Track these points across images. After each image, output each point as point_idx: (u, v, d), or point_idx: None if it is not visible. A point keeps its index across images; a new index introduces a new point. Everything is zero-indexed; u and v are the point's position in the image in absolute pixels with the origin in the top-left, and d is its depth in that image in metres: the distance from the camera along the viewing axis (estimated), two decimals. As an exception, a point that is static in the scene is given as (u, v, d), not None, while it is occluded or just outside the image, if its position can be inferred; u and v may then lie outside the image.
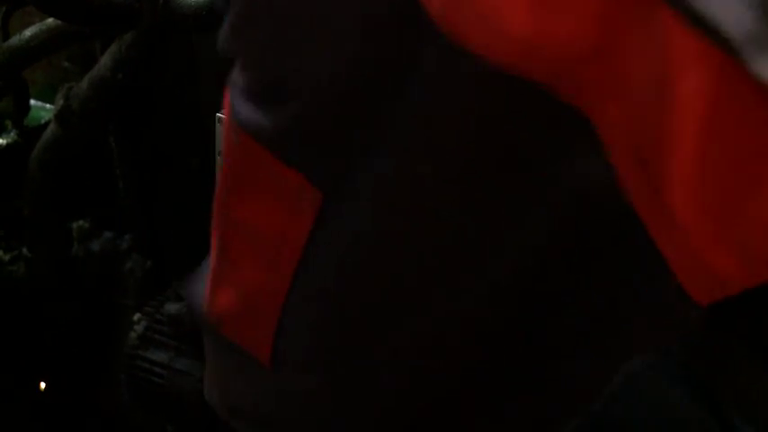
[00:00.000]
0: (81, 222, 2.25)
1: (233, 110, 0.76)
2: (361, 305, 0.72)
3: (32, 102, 2.25)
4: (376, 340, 0.72)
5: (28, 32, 1.94)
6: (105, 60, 1.93)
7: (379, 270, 0.69)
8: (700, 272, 0.56)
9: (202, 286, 0.80)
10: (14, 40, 1.97)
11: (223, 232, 0.75)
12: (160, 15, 1.66)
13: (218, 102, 1.82)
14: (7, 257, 2.21)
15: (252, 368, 0.79)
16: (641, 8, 0.52)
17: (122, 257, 2.22)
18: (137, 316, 2.10)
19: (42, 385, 2.31)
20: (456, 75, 0.59)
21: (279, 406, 0.81)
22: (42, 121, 2.27)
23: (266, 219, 0.72)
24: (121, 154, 2.17)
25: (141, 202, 2.20)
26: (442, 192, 0.65)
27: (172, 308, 1.99)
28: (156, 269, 2.21)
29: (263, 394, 0.81)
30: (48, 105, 2.35)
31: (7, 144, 2.21)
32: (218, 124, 1.34)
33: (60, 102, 1.98)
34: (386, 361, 0.73)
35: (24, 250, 2.20)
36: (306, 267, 0.72)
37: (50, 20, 1.92)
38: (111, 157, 2.19)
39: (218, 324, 0.77)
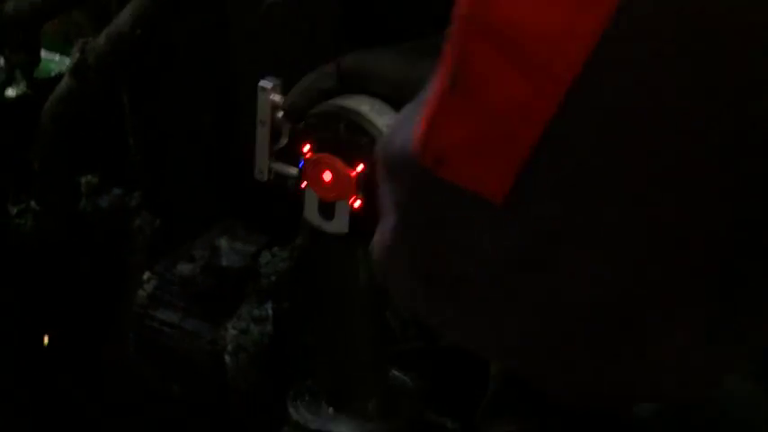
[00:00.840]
0: (90, 177, 2.22)
1: None
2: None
3: (43, 53, 2.22)
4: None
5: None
6: (124, 15, 1.90)
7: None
8: None
9: (405, 131, 0.74)
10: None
11: (468, 50, 0.67)
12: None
13: (245, 60, 1.81)
14: (15, 210, 2.19)
15: (475, 209, 0.73)
16: None
17: (131, 214, 2.20)
18: (146, 275, 2.08)
19: (46, 339, 2.29)
20: None
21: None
22: (53, 74, 2.24)
23: (546, 14, 0.63)
24: (133, 109, 2.14)
25: (151, 159, 2.17)
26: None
27: (184, 268, 1.98)
28: (165, 227, 2.19)
29: (487, 235, 0.74)
30: (57, 57, 2.31)
31: (17, 96, 2.17)
32: (259, 93, 1.32)
33: (76, 55, 1.95)
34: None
35: (32, 203, 2.18)
36: (582, 86, 0.65)
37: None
38: (122, 111, 2.16)
39: (437, 164, 0.71)
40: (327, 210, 1.29)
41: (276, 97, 1.32)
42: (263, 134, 1.35)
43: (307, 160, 1.29)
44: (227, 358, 1.94)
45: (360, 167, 1.25)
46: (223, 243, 2.00)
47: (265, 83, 1.33)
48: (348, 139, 1.24)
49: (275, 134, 1.35)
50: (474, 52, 0.67)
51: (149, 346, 2.04)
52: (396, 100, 1.25)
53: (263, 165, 1.36)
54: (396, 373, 1.70)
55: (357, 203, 1.26)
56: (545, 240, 0.70)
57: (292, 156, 1.33)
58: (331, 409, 1.64)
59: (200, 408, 2.03)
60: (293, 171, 1.33)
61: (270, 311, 1.92)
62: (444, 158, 0.70)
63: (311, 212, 1.30)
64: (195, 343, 1.99)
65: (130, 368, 2.12)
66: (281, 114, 1.32)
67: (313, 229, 1.63)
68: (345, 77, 1.27)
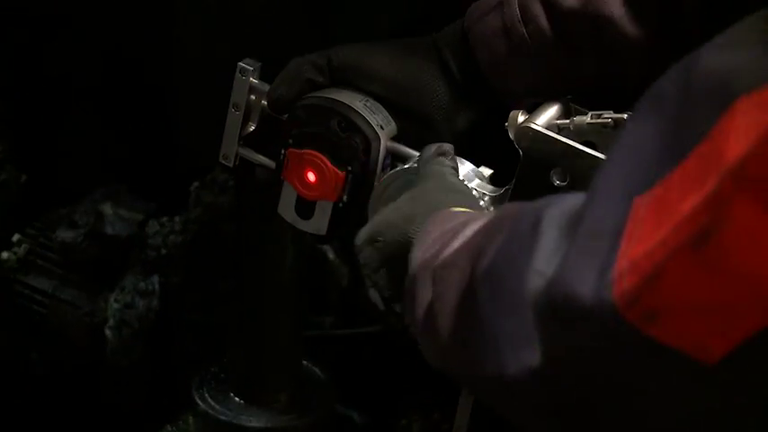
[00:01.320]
0: (-54, 125, 2.04)
1: None
2: None
3: None
4: None
5: None
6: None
7: None
8: None
9: (582, 273, 0.67)
10: None
11: (732, 209, 0.61)
12: None
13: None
14: None
15: (674, 368, 0.67)
16: None
17: (-6, 168, 2.03)
18: (16, 237, 1.93)
19: None
20: None
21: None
22: None
23: None
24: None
25: (20, 109, 2.02)
26: None
27: (65, 234, 1.84)
28: (33, 184, 2.03)
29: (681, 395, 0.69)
30: None
31: None
32: (238, 74, 1.21)
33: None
34: None
35: None
36: None
37: None
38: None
39: (647, 320, 0.64)
40: (306, 208, 1.20)
41: (255, 81, 1.23)
42: (234, 118, 1.25)
43: (290, 154, 1.19)
44: (107, 332, 1.82)
45: (349, 168, 1.18)
46: (107, 209, 1.87)
47: (247, 64, 1.23)
48: (340, 136, 1.15)
49: (246, 119, 1.25)
50: (739, 212, 0.61)
51: (16, 314, 1.90)
52: (386, 99, 1.18)
53: (231, 150, 1.26)
54: (307, 363, 1.63)
55: (340, 205, 1.18)
56: (761, 409, 0.67)
57: (260, 142, 1.24)
58: (241, 401, 1.56)
59: (70, 383, 1.90)
60: (264, 160, 1.23)
61: (157, 285, 1.82)
62: (659, 315, 0.64)
63: (286, 209, 1.21)
64: (71, 313, 1.87)
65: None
66: (253, 98, 1.23)
67: (245, 213, 1.55)
68: (337, 70, 1.19)
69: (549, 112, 1.06)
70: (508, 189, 1.06)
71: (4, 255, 1.94)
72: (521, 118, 1.05)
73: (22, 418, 1.97)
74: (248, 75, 1.23)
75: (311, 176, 1.17)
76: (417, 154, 1.13)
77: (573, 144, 1.01)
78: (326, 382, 1.63)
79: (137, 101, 1.92)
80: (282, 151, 1.19)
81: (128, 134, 1.97)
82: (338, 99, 1.17)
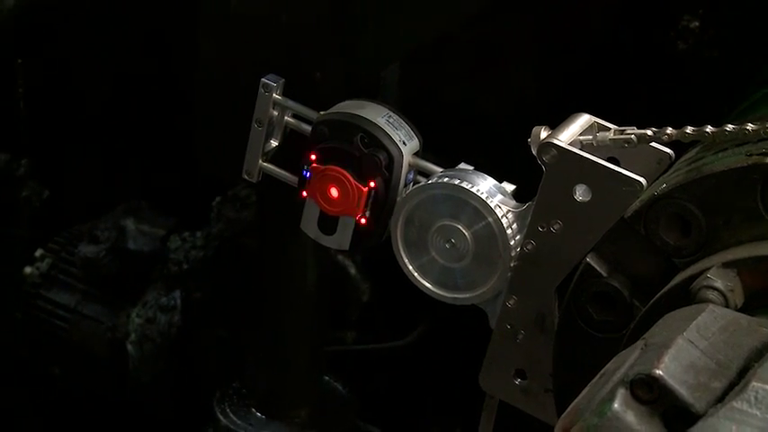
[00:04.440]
0: (-29, 140, 2.05)
1: None
2: None
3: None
4: None
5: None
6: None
7: None
8: None
9: None
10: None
11: None
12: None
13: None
14: None
15: None
16: None
17: (18, 183, 2.04)
18: (39, 252, 1.94)
19: None
20: None
21: None
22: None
23: None
24: (27, 71, 1.99)
25: (44, 125, 2.03)
26: None
27: (87, 249, 1.85)
28: (55, 199, 2.05)
29: None
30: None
31: None
32: (261, 90, 1.21)
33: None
34: None
35: None
36: None
37: None
38: (11, 71, 2.00)
39: None
40: (329, 224, 1.20)
41: (278, 97, 1.23)
42: (257, 134, 1.25)
43: (313, 170, 1.18)
44: (129, 347, 1.83)
45: (372, 184, 1.17)
46: (129, 224, 1.88)
47: (270, 80, 1.23)
48: (363, 152, 1.14)
49: (267, 133, 1.25)
50: None
51: (39, 329, 1.91)
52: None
53: (254, 166, 1.26)
54: (327, 378, 1.64)
55: (363, 221, 1.18)
56: None
57: (283, 158, 1.24)
58: (262, 416, 1.56)
59: (94, 397, 1.91)
60: (287, 176, 1.24)
61: (178, 300, 1.82)
62: None
63: (309, 225, 1.21)
64: (93, 328, 1.87)
65: (11, 346, 1.99)
66: (276, 114, 1.23)
67: (267, 228, 1.55)
68: None
69: (573, 128, 1.06)
70: (531, 205, 1.06)
71: (27, 270, 1.96)
72: (543, 134, 1.05)
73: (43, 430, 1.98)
74: (271, 90, 1.23)
75: (334, 192, 1.17)
76: (440, 170, 1.13)
77: (597, 160, 1.01)
78: (347, 398, 1.63)
79: (158, 117, 1.93)
80: (305, 167, 1.19)
81: (150, 150, 1.98)
82: (361, 115, 1.17)
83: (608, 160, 1.03)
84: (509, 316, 1.10)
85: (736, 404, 0.75)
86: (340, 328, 1.78)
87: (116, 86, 1.98)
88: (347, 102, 1.20)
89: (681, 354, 0.80)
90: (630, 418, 0.79)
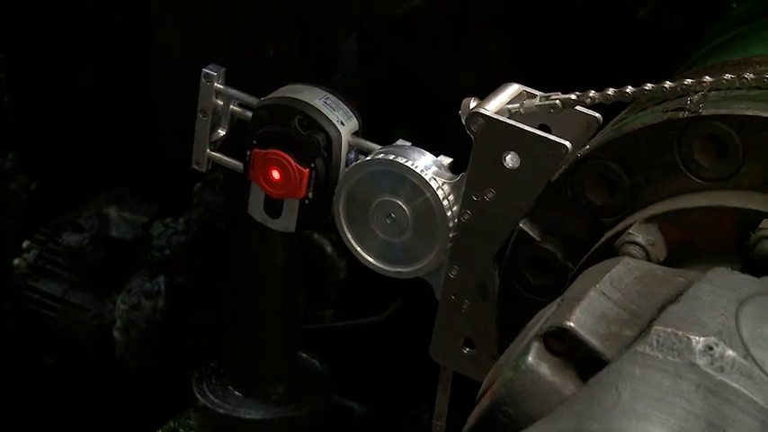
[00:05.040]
0: (-42, 136, 2.08)
1: None
2: None
3: None
4: None
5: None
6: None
7: None
8: None
9: None
10: None
11: None
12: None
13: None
14: None
15: None
16: None
17: (5, 177, 2.07)
18: (26, 243, 1.97)
19: None
20: None
21: None
22: None
23: None
24: (10, 65, 2.02)
25: (29, 118, 2.06)
26: None
27: (71, 238, 1.87)
28: (43, 192, 2.07)
29: None
30: None
31: None
32: (203, 80, 1.23)
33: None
34: None
35: None
36: None
37: None
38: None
39: None
40: (274, 207, 1.22)
41: (220, 86, 1.25)
42: (202, 123, 1.27)
43: (254, 155, 1.19)
44: (115, 334, 1.86)
45: (312, 165, 1.16)
46: (112, 212, 1.90)
47: (210, 70, 1.26)
48: (302, 134, 1.16)
49: (215, 124, 1.27)
50: None
51: (28, 319, 1.94)
52: None
53: (202, 155, 1.28)
54: (304, 355, 1.66)
55: (307, 202, 1.21)
56: None
57: (231, 145, 1.26)
58: (240, 394, 1.59)
59: (83, 384, 1.94)
60: (234, 163, 1.26)
61: (162, 286, 1.85)
62: None
63: (255, 208, 1.24)
64: (81, 316, 1.90)
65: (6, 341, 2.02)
66: (221, 103, 1.25)
67: (232, 212, 1.57)
68: None
69: (501, 98, 1.07)
70: (464, 175, 1.08)
71: (16, 261, 1.99)
72: (472, 104, 1.06)
73: (38, 418, 2.01)
74: (212, 80, 1.24)
75: (276, 175, 1.19)
76: (379, 147, 1.15)
77: (522, 127, 1.02)
78: (324, 374, 1.65)
79: (138, 106, 1.95)
80: (248, 152, 1.21)
81: (130, 138, 2.00)
82: (298, 98, 1.19)
83: (539, 128, 1.04)
84: (452, 286, 1.11)
85: (639, 348, 0.76)
86: (318, 305, 1.80)
87: (97, 76, 2.00)
88: (287, 87, 1.21)
89: (592, 305, 0.81)
90: (544, 369, 0.80)
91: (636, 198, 0.97)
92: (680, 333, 0.75)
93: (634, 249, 0.92)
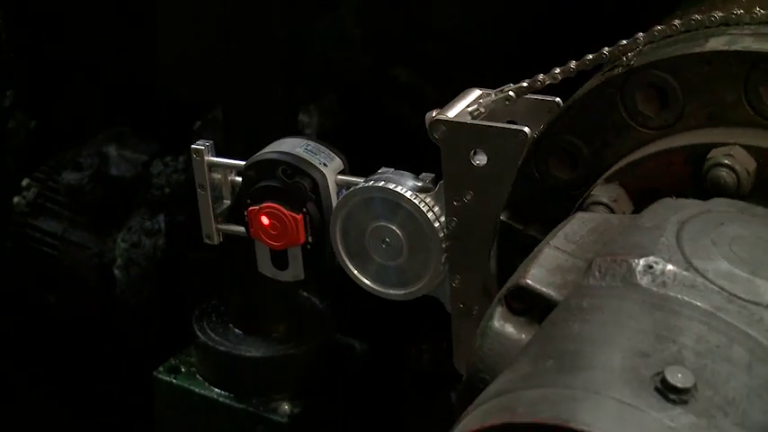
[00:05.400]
0: (-44, 73, 2.07)
1: None
2: None
3: None
4: None
5: None
6: None
7: None
8: None
9: None
10: None
11: None
12: None
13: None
14: None
15: None
16: None
17: (4, 115, 2.06)
18: (26, 181, 1.97)
19: None
20: None
21: None
22: None
23: None
24: (6, 1, 2.00)
25: (27, 54, 2.04)
26: None
27: (71, 177, 1.87)
28: (42, 130, 2.07)
29: None
30: None
31: None
32: (194, 156, 1.26)
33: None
34: None
35: None
36: None
37: None
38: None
39: None
40: (280, 259, 1.27)
41: (212, 159, 1.27)
42: (203, 198, 1.29)
43: (250, 213, 1.24)
44: (116, 272, 1.86)
45: (304, 209, 1.22)
46: (112, 151, 1.90)
47: (198, 145, 1.27)
48: (287, 183, 1.21)
49: (215, 195, 1.29)
50: None
51: (29, 257, 1.94)
52: None
53: (210, 228, 1.31)
54: (305, 294, 1.66)
55: (308, 247, 1.24)
56: None
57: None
58: (240, 332, 1.59)
59: (85, 322, 1.94)
60: (242, 229, 1.28)
61: (163, 224, 1.85)
62: None
63: (264, 265, 1.28)
64: (81, 255, 1.90)
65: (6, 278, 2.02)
66: (218, 176, 1.28)
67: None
68: None
69: (461, 104, 1.09)
70: (441, 183, 1.10)
71: (15, 199, 1.99)
72: (433, 114, 1.08)
73: (41, 357, 2.02)
74: (202, 155, 1.27)
75: (274, 227, 1.23)
76: (362, 180, 1.18)
77: (479, 123, 1.04)
78: (325, 312, 1.65)
79: (138, 43, 1.94)
80: (245, 213, 1.24)
81: (130, 77, 1.99)
82: (280, 150, 1.23)
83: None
84: (458, 295, 1.14)
85: (584, 282, 0.77)
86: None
87: (97, 12, 1.98)
88: (271, 144, 1.26)
89: (547, 260, 0.83)
90: (510, 329, 0.82)
91: (598, 165, 0.97)
92: (619, 259, 0.76)
93: (598, 209, 0.93)
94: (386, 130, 1.71)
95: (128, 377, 1.83)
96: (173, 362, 1.63)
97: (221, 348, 1.56)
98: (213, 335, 1.59)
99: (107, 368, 1.97)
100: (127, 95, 1.99)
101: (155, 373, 1.62)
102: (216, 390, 1.57)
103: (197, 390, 1.58)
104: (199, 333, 1.59)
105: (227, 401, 1.56)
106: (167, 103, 1.93)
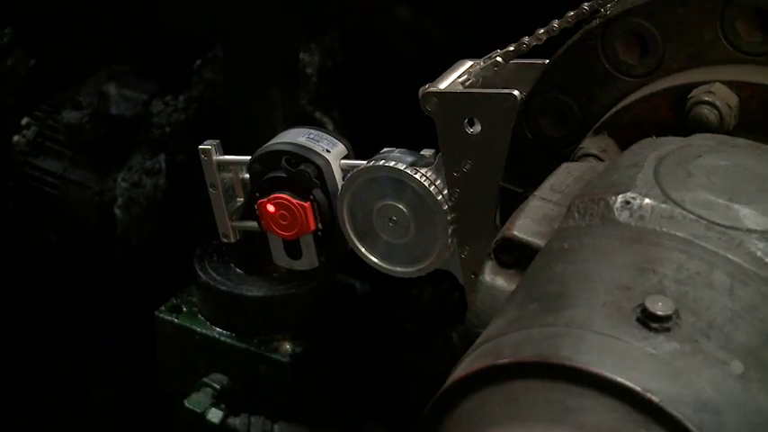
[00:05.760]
0: (-45, 10, 2.05)
1: None
2: None
3: None
4: None
5: None
6: None
7: None
8: None
9: None
10: None
11: None
12: None
13: None
14: None
15: None
16: None
17: (3, 52, 2.04)
18: (25, 120, 1.95)
19: None
20: None
21: None
22: None
23: None
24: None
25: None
26: None
27: (70, 116, 1.86)
28: (42, 68, 2.05)
29: None
30: None
31: None
32: (202, 156, 1.27)
33: None
34: None
35: None
36: None
37: None
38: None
39: None
40: (294, 249, 1.28)
41: (220, 158, 1.28)
42: (215, 197, 1.30)
43: (260, 206, 1.25)
44: (117, 211, 1.86)
45: (311, 196, 1.23)
46: (112, 89, 1.88)
47: (205, 145, 1.29)
48: (292, 172, 1.22)
49: (228, 194, 1.31)
50: None
51: (30, 196, 1.94)
52: None
53: (225, 227, 1.33)
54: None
55: (319, 234, 1.25)
56: None
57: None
58: (241, 271, 1.59)
59: (86, 261, 1.94)
60: (255, 225, 1.30)
61: (163, 163, 1.84)
62: None
63: (279, 256, 1.29)
64: (81, 194, 1.90)
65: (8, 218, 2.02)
66: (229, 175, 1.29)
67: (233, 84, 1.56)
68: None
69: (451, 75, 1.09)
70: (440, 156, 1.10)
71: (15, 138, 1.98)
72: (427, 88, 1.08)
73: (42, 297, 2.02)
74: (210, 154, 1.27)
75: (282, 217, 1.24)
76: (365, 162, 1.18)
77: (468, 90, 1.05)
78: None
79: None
80: (255, 206, 1.26)
81: (130, 14, 1.97)
82: (282, 141, 1.25)
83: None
84: (469, 266, 1.15)
85: (564, 225, 0.78)
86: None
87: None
88: (275, 137, 1.28)
89: (532, 211, 0.84)
90: (501, 282, 0.83)
91: (588, 119, 0.98)
92: (597, 198, 0.76)
93: (588, 161, 0.93)
94: (388, 70, 1.70)
95: (129, 317, 1.83)
96: (174, 301, 1.63)
97: (223, 288, 1.56)
98: (215, 274, 1.59)
99: (108, 308, 1.97)
100: (126, 33, 1.97)
101: (156, 312, 1.62)
102: (217, 329, 1.57)
103: (198, 329, 1.58)
104: (200, 273, 1.59)
105: (229, 341, 1.56)
106: (167, 41, 1.92)
